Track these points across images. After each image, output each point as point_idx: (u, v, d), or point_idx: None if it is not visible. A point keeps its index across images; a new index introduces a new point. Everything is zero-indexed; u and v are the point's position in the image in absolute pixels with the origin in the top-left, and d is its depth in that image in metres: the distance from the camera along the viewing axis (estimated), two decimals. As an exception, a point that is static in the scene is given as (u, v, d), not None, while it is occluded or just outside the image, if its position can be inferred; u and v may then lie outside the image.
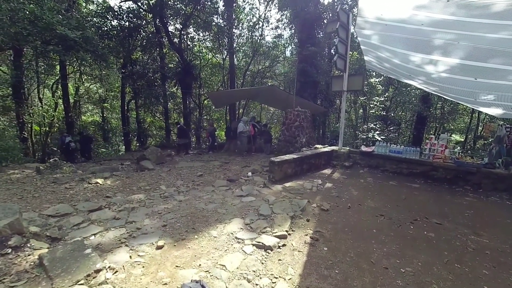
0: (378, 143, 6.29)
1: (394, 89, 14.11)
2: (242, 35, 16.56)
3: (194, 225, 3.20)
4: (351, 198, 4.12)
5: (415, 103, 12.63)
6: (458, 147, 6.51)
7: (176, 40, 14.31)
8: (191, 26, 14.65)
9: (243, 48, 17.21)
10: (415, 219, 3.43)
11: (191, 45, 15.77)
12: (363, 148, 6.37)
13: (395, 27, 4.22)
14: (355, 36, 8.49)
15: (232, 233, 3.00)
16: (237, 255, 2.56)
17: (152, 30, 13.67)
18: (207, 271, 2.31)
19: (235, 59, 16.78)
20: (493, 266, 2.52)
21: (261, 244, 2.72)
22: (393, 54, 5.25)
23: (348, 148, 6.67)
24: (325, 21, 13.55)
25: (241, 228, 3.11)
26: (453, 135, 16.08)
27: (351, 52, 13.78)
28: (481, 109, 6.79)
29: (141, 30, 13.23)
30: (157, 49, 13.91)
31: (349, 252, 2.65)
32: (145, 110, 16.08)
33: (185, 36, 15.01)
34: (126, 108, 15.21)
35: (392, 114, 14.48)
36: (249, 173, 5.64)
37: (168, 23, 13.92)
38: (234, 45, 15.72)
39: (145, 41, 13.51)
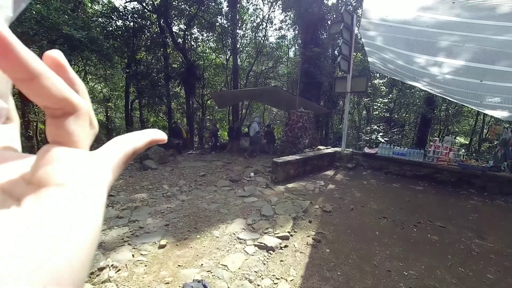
0: (382, 145, 6.25)
1: (398, 91, 14.01)
2: (246, 35, 16.60)
3: (197, 225, 3.21)
4: (353, 200, 4.10)
5: (419, 104, 12.53)
6: (463, 150, 6.43)
7: (180, 40, 14.37)
8: (195, 27, 14.72)
9: (246, 49, 17.25)
10: (419, 222, 3.40)
11: (195, 46, 15.84)
12: (366, 150, 6.33)
13: (399, 28, 4.20)
14: (359, 37, 8.45)
15: (234, 233, 3.00)
16: (239, 256, 2.56)
17: (156, 30, 13.75)
18: (209, 271, 2.32)
19: (239, 60, 16.81)
20: (498, 270, 2.49)
21: (263, 244, 2.72)
22: (397, 55, 5.22)
23: (351, 150, 6.64)
24: (329, 22, 13.52)
25: (243, 229, 3.11)
26: (458, 138, 15.91)
27: (355, 54, 13.73)
28: (487, 111, 6.72)
29: (146, 31, 13.31)
30: (161, 49, 13.98)
31: (351, 254, 2.64)
32: (148, 110, 16.16)
33: (189, 37, 15.07)
34: (130, 107, 15.31)
35: (396, 116, 14.37)
36: (252, 174, 5.64)
37: (172, 24, 13.99)
38: (238, 46, 15.75)
39: (149, 41, 13.59)
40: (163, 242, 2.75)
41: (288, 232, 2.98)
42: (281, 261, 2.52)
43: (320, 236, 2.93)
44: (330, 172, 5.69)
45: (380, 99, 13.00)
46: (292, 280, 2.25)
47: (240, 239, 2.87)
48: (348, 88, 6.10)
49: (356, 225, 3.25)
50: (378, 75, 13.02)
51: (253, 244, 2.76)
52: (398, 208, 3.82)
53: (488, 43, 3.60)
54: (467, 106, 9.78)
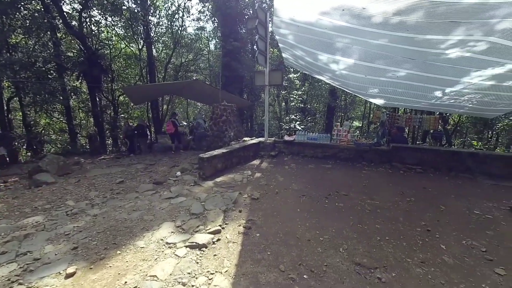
0: (298, 132, 7.05)
1: (309, 84, 15.98)
2: (161, 24, 15.17)
3: (116, 240, 2.82)
4: (278, 184, 4.49)
5: (325, 96, 14.74)
6: (357, 132, 8.03)
7: (75, 23, 11.84)
8: (94, 8, 12.39)
9: (162, 39, 15.82)
10: (329, 194, 4.04)
11: (96, 31, 13.37)
12: (286, 138, 7.00)
13: (305, 28, 4.66)
14: (274, 34, 9.08)
15: (162, 239, 2.80)
16: (170, 261, 2.42)
17: (38, 8, 10.85)
18: (136, 286, 2.10)
19: (154, 50, 15.29)
20: (383, 220, 3.24)
21: (195, 243, 2.65)
22: (305, 52, 5.84)
23: (273, 139, 7.18)
24: (246, 17, 13.92)
25: (172, 232, 2.94)
26: (354, 122, 19.64)
27: (272, 49, 14.72)
28: (371, 99, 8.50)
29: (21, 7, 10.28)
30: (48, 32, 11.17)
31: (278, 233, 2.90)
32: (36, 110, 12.79)
33: (87, 20, 12.59)
34: (6, 107, 11.68)
35: (308, 106, 16.45)
36: (178, 173, 5.34)
37: (62, 1, 11.34)
38: (152, 35, 14.28)
39: (28, 21, 10.59)
40: (70, 269, 2.29)
41: (220, 225, 3.00)
42: (215, 255, 2.52)
43: (250, 223, 3.09)
44: (256, 162, 6.01)
45: (295, 91, 14.54)
46: (226, 271, 2.29)
47: (169, 243, 2.71)
48: (266, 81, 6.50)
49: (281, 207, 3.59)
50: (292, 69, 14.43)
51: (184, 246, 2.65)
52: (314, 186, 4.43)
53: (369, 45, 4.45)
54: (358, 96, 12.12)
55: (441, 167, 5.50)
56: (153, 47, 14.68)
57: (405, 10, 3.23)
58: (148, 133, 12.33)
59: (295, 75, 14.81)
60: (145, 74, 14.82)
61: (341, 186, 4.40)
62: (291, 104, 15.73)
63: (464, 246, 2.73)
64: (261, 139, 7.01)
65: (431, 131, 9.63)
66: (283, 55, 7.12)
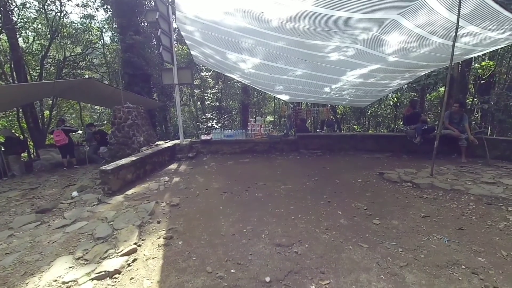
0: (215, 130, 7.07)
1: (222, 82, 16.19)
2: (29, 6, 11.72)
3: (-25, 300, 2.05)
4: (198, 185, 4.36)
5: (239, 93, 15.33)
6: (271, 125, 8.82)
7: None
8: None
9: (33, 25, 12.28)
10: (249, 186, 4.25)
11: None
12: (203, 137, 6.88)
13: (212, 27, 4.61)
14: (180, 30, 8.61)
15: (56, 280, 2.23)
16: (69, 303, 1.96)
17: None
18: None
19: (21, 39, 11.77)
20: (295, 201, 3.68)
21: (104, 272, 2.24)
22: (214, 51, 5.81)
23: (189, 140, 6.91)
24: (147, 9, 12.61)
25: (70, 267, 2.38)
26: (268, 117, 21.39)
27: (181, 46, 13.99)
28: (278, 96, 9.43)
29: None
30: None
31: (202, 235, 2.83)
32: None
33: None
34: None
35: (224, 104, 16.71)
36: (74, 193, 4.36)
37: None
38: (15, 19, 10.93)
39: None
40: None
41: (135, 243, 2.65)
42: (132, 278, 2.22)
43: (172, 232, 2.87)
44: (173, 166, 5.64)
45: (210, 90, 14.43)
46: (147, 292, 2.06)
47: (68, 282, 2.18)
48: (175, 80, 6.13)
49: (203, 208, 3.51)
50: (204, 68, 14.22)
51: (90, 279, 2.20)
52: (234, 181, 4.54)
53: (270, 47, 4.86)
54: (267, 93, 13.21)
55: (334, 149, 6.77)
56: (18, 35, 11.26)
57: (295, 17, 3.70)
58: (24, 148, 9.49)
59: (207, 74, 14.66)
60: (9, 71, 11.24)
61: (259, 177, 4.70)
62: (207, 103, 15.56)
63: (353, 208, 3.45)
64: (176, 141, 6.59)
65: (326, 120, 11.67)
66: (192, 52, 6.89)
